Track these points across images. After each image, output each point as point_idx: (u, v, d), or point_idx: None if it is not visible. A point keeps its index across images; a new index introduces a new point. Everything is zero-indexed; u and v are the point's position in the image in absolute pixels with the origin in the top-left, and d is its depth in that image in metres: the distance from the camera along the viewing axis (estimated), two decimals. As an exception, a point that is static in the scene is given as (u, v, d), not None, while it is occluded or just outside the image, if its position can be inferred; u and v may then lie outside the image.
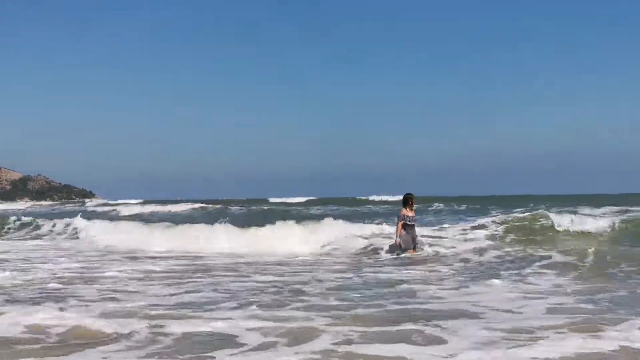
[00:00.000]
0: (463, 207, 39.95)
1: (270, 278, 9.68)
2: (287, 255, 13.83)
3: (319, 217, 17.80)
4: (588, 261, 10.36)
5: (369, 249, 14.01)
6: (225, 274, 10.31)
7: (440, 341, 5.19)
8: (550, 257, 10.95)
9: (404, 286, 8.52)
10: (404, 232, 13.16)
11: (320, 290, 8.30)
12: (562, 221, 15.60)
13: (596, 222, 15.79)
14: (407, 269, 10.79)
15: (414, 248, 13.06)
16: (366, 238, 14.95)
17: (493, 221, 16.30)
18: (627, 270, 9.71)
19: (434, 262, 11.78)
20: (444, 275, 9.88)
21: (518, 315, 6.32)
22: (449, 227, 16.50)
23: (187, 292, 8.26)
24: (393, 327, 5.70)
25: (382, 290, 8.23)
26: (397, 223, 13.31)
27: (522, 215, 16.82)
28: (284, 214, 33.58)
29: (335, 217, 17.46)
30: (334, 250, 14.44)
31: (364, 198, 63.35)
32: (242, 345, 5.24)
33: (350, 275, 10.07)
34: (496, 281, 8.89)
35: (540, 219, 15.69)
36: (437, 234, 15.32)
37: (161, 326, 5.83)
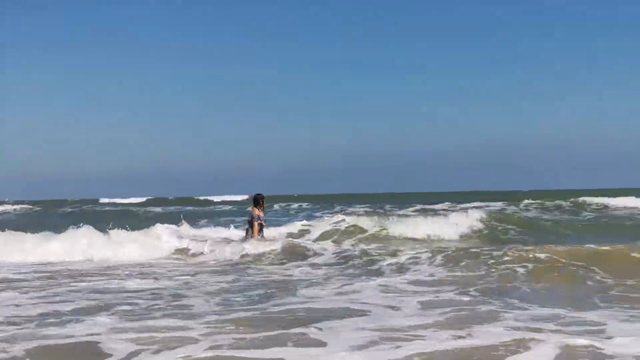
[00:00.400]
0: (306, 204, 40.83)
1: (139, 284, 8.96)
2: (152, 259, 12.79)
3: (164, 218, 17.08)
4: (449, 254, 10.47)
5: (236, 251, 12.72)
6: (91, 280, 9.38)
7: (319, 343, 5.06)
8: (416, 251, 10.98)
9: (280, 287, 8.32)
10: (260, 234, 12.92)
11: (194, 294, 7.84)
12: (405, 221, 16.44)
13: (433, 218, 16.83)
14: (281, 269, 10.57)
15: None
16: (234, 239, 13.97)
17: (354, 215, 16.67)
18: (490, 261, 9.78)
19: (306, 261, 11.51)
20: (319, 275, 9.70)
21: (396, 312, 6.35)
22: (309, 224, 16.52)
23: (43, 301, 7.45)
24: (272, 331, 5.48)
25: (258, 292, 7.95)
26: (254, 224, 12.87)
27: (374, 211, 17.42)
28: (126, 214, 32.35)
29: (185, 218, 16.62)
30: (199, 254, 13.29)
31: (202, 198, 62.57)
32: (108, 355, 4.84)
33: (227, 278, 9.58)
34: (373, 277, 8.94)
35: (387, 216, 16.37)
36: (299, 230, 15.32)
37: (16, 337, 5.26)
